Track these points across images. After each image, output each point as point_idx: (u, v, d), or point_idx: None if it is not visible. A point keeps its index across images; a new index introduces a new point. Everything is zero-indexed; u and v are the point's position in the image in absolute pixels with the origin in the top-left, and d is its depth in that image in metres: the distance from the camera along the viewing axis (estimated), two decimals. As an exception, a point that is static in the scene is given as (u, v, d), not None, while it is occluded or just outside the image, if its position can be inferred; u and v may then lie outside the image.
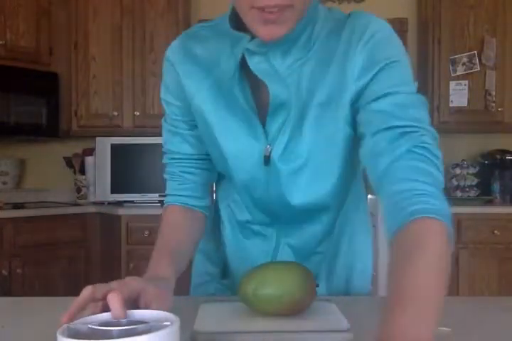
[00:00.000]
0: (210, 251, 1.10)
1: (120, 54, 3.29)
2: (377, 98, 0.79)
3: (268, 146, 0.87)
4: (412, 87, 0.81)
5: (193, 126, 0.96)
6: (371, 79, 0.81)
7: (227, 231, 1.04)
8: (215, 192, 1.09)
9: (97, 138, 3.19)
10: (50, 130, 3.21)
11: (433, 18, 3.23)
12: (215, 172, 1.01)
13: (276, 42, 0.81)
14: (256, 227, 1.01)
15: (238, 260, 1.04)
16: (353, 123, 0.84)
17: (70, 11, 3.30)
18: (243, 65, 0.86)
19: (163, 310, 0.61)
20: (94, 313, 0.62)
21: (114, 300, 0.60)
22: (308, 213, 0.96)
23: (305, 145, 0.86)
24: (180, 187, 0.98)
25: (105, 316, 0.61)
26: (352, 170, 0.94)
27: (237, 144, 0.89)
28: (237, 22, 0.84)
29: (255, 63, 0.83)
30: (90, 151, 3.33)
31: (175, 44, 0.95)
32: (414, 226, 0.66)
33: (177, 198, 0.98)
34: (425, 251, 0.63)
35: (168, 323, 0.56)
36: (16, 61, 3.06)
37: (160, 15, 3.28)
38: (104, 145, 3.17)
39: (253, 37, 0.82)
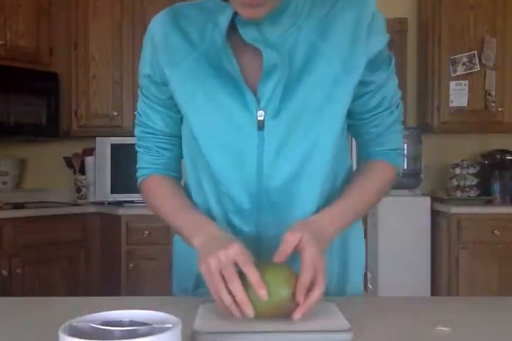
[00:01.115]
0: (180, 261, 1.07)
1: (120, 54, 3.30)
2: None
3: (261, 111, 0.89)
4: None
5: (169, 106, 0.98)
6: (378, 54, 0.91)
7: None
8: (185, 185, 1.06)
9: (97, 138, 3.19)
10: (50, 130, 3.21)
11: (433, 18, 3.23)
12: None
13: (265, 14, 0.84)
14: (234, 220, 0.96)
15: None
16: (354, 89, 0.91)
17: (70, 11, 3.30)
18: (228, 36, 0.88)
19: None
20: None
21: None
22: (295, 186, 0.93)
23: (297, 107, 0.88)
24: (157, 161, 1.03)
25: (107, 315, 0.61)
26: (341, 139, 0.97)
27: (229, 112, 0.90)
28: None
29: (246, 32, 0.86)
30: (90, 151, 3.33)
31: (161, 17, 0.95)
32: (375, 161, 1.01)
33: (157, 169, 1.02)
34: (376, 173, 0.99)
35: (170, 325, 0.56)
36: (15, 61, 3.06)
37: (160, 15, 3.27)
38: (104, 145, 3.17)
39: None
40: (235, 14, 0.85)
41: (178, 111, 0.98)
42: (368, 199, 0.97)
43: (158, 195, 1.01)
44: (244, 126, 0.90)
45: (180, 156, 1.05)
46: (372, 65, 0.91)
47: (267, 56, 0.86)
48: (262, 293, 0.73)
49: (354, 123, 1.01)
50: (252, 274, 0.75)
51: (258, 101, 0.89)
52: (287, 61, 0.87)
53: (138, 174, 1.05)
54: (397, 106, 1.00)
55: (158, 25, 0.95)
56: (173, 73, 0.92)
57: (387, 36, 0.92)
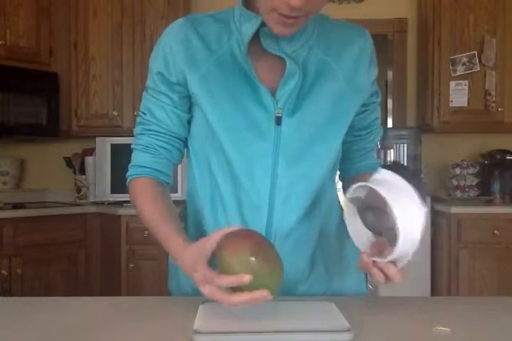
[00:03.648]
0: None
1: (120, 54, 3.29)
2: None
3: (279, 110, 0.95)
4: None
5: (179, 106, 1.00)
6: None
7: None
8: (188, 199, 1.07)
9: (97, 138, 3.19)
10: (50, 130, 3.21)
11: (433, 18, 3.23)
12: (183, 153, 1.06)
13: None
14: (247, 214, 0.98)
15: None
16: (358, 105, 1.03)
17: (70, 11, 3.30)
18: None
19: None
20: None
21: None
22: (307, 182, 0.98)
23: (309, 112, 0.96)
24: (153, 160, 1.01)
25: None
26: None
27: (248, 109, 0.94)
28: (248, 4, 0.95)
29: (268, 43, 0.94)
30: (90, 151, 3.33)
31: (179, 23, 1.00)
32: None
33: (149, 171, 1.00)
34: None
35: None
36: (15, 61, 3.06)
37: (160, 15, 3.28)
38: (104, 145, 3.17)
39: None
40: (261, 25, 0.91)
41: (187, 111, 1.01)
42: None
43: (141, 198, 0.99)
44: (263, 121, 0.95)
45: (176, 161, 1.04)
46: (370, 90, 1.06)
47: (290, 63, 0.94)
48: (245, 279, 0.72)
49: (351, 139, 1.10)
50: (226, 281, 0.74)
51: (276, 102, 0.95)
52: (302, 72, 0.95)
53: (128, 173, 1.03)
54: (380, 127, 1.15)
55: (177, 28, 0.99)
56: (193, 74, 0.96)
57: (377, 70, 1.07)
